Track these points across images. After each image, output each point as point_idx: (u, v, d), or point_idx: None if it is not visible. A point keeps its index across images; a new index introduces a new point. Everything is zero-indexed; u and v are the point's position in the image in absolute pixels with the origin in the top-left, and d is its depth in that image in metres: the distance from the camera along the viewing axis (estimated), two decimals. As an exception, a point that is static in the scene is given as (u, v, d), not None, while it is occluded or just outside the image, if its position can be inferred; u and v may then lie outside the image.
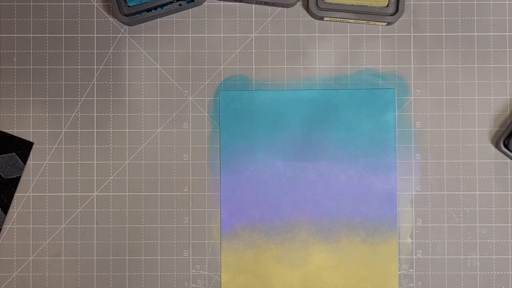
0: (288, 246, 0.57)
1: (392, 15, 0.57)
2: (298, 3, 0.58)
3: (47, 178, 0.58)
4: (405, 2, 0.57)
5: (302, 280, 0.57)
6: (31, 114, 0.58)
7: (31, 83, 0.58)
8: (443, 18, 0.58)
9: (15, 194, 0.58)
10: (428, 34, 0.58)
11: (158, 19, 0.58)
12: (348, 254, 0.57)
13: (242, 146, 0.58)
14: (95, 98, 0.58)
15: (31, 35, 0.58)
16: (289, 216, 0.58)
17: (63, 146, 0.58)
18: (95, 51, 0.58)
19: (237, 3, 0.58)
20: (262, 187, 0.58)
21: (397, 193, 0.58)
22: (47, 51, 0.58)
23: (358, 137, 0.58)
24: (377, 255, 0.57)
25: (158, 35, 0.58)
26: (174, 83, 0.58)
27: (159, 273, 0.58)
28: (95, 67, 0.58)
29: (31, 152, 0.58)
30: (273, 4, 0.58)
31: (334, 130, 0.58)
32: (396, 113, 0.58)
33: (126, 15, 0.57)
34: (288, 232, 0.58)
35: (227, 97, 0.58)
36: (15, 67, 0.58)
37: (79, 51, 0.58)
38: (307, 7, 0.58)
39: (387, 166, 0.58)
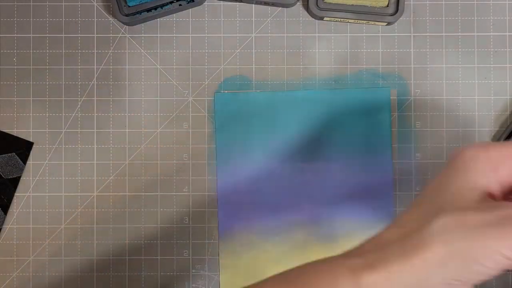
0: (285, 247, 0.57)
1: (392, 15, 0.57)
2: (298, 3, 0.58)
3: (47, 178, 0.58)
4: (405, 2, 0.57)
5: (302, 280, 0.57)
6: (31, 114, 0.58)
7: (31, 83, 0.58)
8: (443, 18, 0.58)
9: (15, 194, 0.58)
10: (428, 34, 0.58)
11: (158, 19, 0.58)
12: (347, 254, 0.57)
13: (238, 147, 0.58)
14: (95, 98, 0.58)
15: (31, 35, 0.58)
16: (286, 217, 0.57)
17: (63, 146, 0.58)
18: (95, 51, 0.58)
19: (237, 3, 0.58)
20: (259, 188, 0.57)
21: (397, 193, 0.58)
22: (47, 51, 0.58)
23: (354, 137, 0.57)
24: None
25: (158, 35, 0.58)
26: (174, 83, 0.58)
27: (159, 273, 0.58)
28: (95, 67, 0.58)
29: (31, 152, 0.58)
30: (273, 4, 0.58)
31: (330, 130, 0.58)
32: (396, 113, 0.58)
33: (126, 15, 0.57)
34: (285, 232, 0.57)
35: (222, 99, 0.58)
36: (15, 67, 0.58)
37: (79, 51, 0.58)
38: (307, 7, 0.58)
39: (383, 166, 0.57)
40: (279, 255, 0.57)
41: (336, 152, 0.58)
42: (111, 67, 0.58)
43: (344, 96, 0.58)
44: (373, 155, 0.57)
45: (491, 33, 0.58)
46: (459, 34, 0.58)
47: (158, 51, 0.58)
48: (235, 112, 0.58)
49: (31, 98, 0.58)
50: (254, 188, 0.58)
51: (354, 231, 0.57)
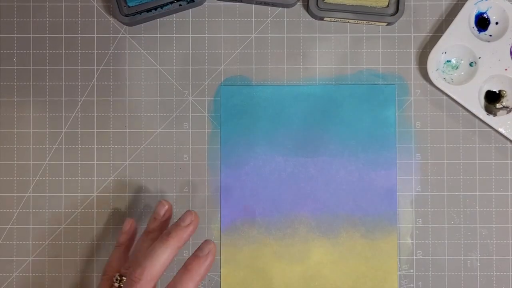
0: (287, 242, 0.58)
1: (392, 15, 0.57)
2: (298, 3, 0.58)
3: (47, 178, 0.58)
4: (405, 2, 0.57)
5: (302, 275, 0.57)
6: (31, 115, 0.58)
7: (31, 83, 0.58)
8: (443, 18, 0.58)
9: (15, 194, 0.58)
10: (428, 34, 0.58)
11: (158, 19, 0.58)
12: (348, 250, 0.57)
13: (242, 141, 0.58)
14: (95, 99, 0.58)
15: (31, 35, 0.58)
16: (289, 211, 0.58)
17: (63, 146, 0.58)
18: (95, 51, 0.58)
19: (237, 3, 0.58)
20: (262, 182, 0.58)
21: (398, 193, 0.58)
22: (47, 51, 0.58)
23: (359, 133, 0.58)
24: (377, 251, 0.57)
25: (158, 35, 0.58)
26: (174, 83, 0.58)
27: (159, 274, 0.58)
28: (95, 67, 0.58)
29: (31, 152, 0.58)
30: (273, 4, 0.58)
31: (335, 126, 0.58)
32: (396, 113, 0.58)
33: (126, 15, 0.57)
34: (288, 227, 0.58)
35: (227, 92, 0.58)
36: (15, 67, 0.58)
37: (79, 51, 0.58)
38: (307, 7, 0.58)
39: (387, 162, 0.58)
40: (280, 249, 0.57)
41: (340, 147, 0.58)
42: (111, 67, 0.58)
43: (350, 91, 0.58)
44: (378, 152, 0.58)
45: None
46: (459, 34, 0.59)
47: (158, 51, 0.58)
48: (240, 105, 0.58)
49: (31, 99, 0.58)
50: (257, 182, 0.58)
51: (356, 227, 0.57)
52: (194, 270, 0.46)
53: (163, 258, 0.46)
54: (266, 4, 0.58)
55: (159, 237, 0.48)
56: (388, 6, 0.57)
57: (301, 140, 0.58)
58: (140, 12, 0.56)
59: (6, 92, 0.58)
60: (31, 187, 0.58)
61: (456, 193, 0.58)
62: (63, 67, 0.58)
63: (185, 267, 0.46)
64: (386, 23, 0.58)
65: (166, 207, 0.52)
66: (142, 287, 0.45)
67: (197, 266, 0.46)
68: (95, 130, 0.58)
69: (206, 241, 0.48)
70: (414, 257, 0.58)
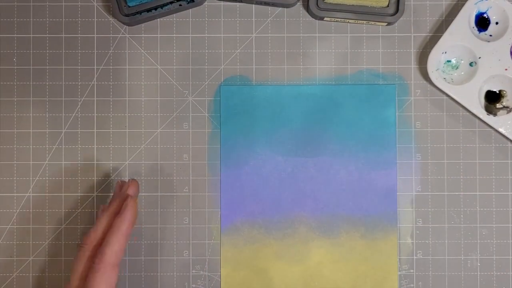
0: (288, 242, 0.58)
1: (392, 15, 0.57)
2: (298, 3, 0.58)
3: (47, 178, 0.58)
4: (406, 2, 0.57)
5: (302, 275, 0.57)
6: (31, 115, 0.58)
7: (31, 83, 0.58)
8: (444, 18, 0.58)
9: (15, 194, 0.58)
10: (428, 34, 0.58)
11: (158, 19, 0.58)
12: (348, 250, 0.57)
13: (242, 140, 0.58)
14: (95, 98, 0.58)
15: (31, 35, 0.58)
16: (289, 212, 0.58)
17: (63, 146, 0.58)
18: (95, 51, 0.58)
19: (237, 3, 0.58)
20: (262, 182, 0.58)
21: (398, 193, 0.58)
22: (47, 51, 0.58)
23: (359, 133, 0.58)
24: (377, 251, 0.57)
25: (158, 35, 0.58)
26: (174, 83, 0.58)
27: (159, 274, 0.58)
28: (95, 67, 0.58)
29: (31, 152, 0.58)
30: (273, 4, 0.58)
31: (335, 126, 0.58)
32: (396, 113, 0.58)
33: (126, 15, 0.57)
34: (288, 227, 0.58)
35: (227, 92, 0.58)
36: (15, 67, 0.58)
37: (79, 51, 0.58)
38: (307, 7, 0.58)
39: (387, 162, 0.58)
40: (280, 249, 0.57)
41: (340, 147, 0.58)
42: (111, 67, 0.58)
43: (350, 91, 0.58)
44: (378, 152, 0.58)
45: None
46: (459, 34, 0.58)
47: (158, 51, 0.58)
48: (240, 105, 0.58)
49: (31, 98, 0.58)
50: (257, 182, 0.58)
51: (356, 227, 0.57)
52: (116, 227, 0.50)
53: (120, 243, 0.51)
54: (266, 4, 0.58)
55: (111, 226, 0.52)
56: (388, 6, 0.57)
57: (301, 140, 0.58)
58: (140, 12, 0.56)
59: (6, 92, 0.58)
60: (31, 187, 0.58)
61: (456, 193, 0.58)
62: (63, 67, 0.58)
63: (110, 227, 0.51)
64: (386, 23, 0.58)
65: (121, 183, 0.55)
66: (105, 270, 0.49)
67: (119, 222, 0.51)
68: (95, 130, 0.58)
69: (125, 199, 0.52)
70: (414, 257, 0.58)
